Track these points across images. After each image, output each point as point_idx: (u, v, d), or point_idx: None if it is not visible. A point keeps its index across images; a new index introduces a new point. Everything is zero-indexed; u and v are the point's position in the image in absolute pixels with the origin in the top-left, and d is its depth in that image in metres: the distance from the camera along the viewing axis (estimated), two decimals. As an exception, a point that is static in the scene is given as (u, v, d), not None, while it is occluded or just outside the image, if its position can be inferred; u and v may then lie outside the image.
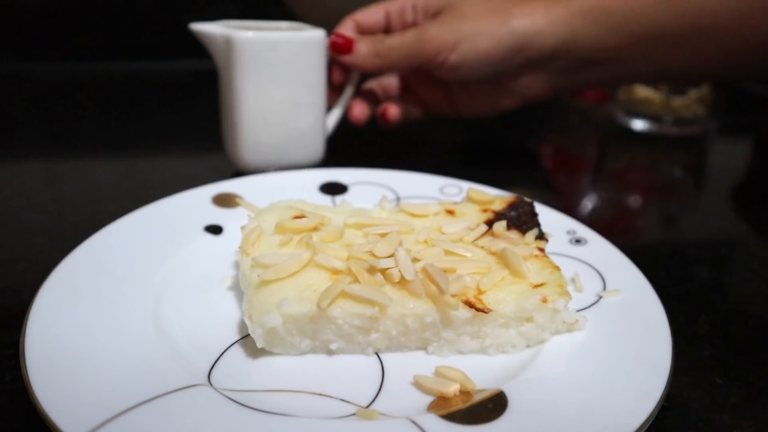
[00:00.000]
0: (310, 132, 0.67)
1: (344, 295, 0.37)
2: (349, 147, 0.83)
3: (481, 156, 0.70)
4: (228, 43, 0.61)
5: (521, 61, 0.65)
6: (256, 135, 0.65)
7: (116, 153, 0.78)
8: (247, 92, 0.63)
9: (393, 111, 0.73)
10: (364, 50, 0.66)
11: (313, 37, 0.64)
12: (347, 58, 0.67)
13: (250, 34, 0.60)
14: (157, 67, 1.12)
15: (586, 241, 0.50)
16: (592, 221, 0.65)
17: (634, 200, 0.74)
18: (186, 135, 0.86)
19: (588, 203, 0.72)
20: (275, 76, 0.63)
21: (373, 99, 0.76)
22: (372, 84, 0.77)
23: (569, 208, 0.68)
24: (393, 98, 0.76)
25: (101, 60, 1.12)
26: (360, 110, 0.73)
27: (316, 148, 0.69)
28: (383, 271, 0.38)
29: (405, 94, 0.77)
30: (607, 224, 0.66)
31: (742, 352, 0.44)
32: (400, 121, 0.75)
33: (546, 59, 0.65)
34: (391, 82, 0.77)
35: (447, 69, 0.65)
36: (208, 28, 0.63)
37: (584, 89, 0.83)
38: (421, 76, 0.74)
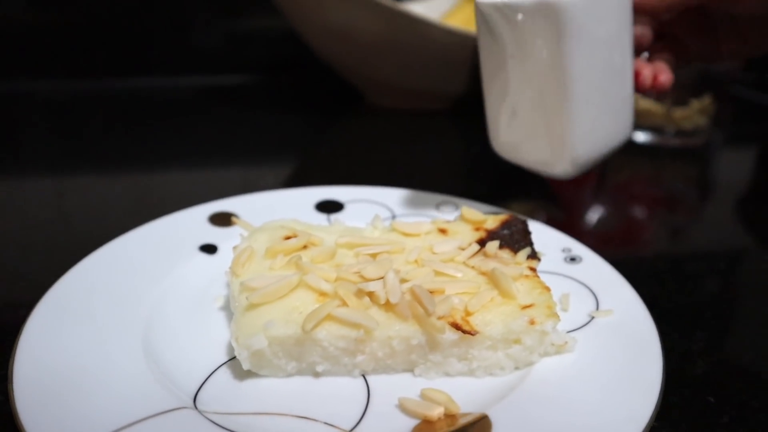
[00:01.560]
0: (627, 103, 0.58)
1: (330, 318, 0.37)
2: (348, 163, 0.84)
3: (480, 170, 0.69)
4: (546, 9, 0.50)
5: None
6: (586, 118, 0.54)
7: (122, 169, 0.78)
8: (574, 67, 0.52)
9: (665, 77, 0.65)
10: None
11: None
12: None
13: None
14: (162, 84, 1.13)
15: (581, 259, 0.50)
16: (594, 234, 0.65)
17: (636, 213, 0.74)
18: (190, 151, 0.87)
19: (589, 216, 0.71)
20: (599, 41, 0.53)
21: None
22: None
23: (570, 221, 0.68)
24: (646, 49, 0.68)
25: (106, 77, 1.14)
26: (649, 71, 0.63)
27: (631, 121, 0.60)
28: (370, 294, 0.38)
29: (659, 43, 0.69)
30: (609, 237, 0.66)
31: (737, 369, 0.43)
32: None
33: None
34: (643, 32, 0.68)
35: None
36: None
37: None
38: (684, 20, 0.68)
